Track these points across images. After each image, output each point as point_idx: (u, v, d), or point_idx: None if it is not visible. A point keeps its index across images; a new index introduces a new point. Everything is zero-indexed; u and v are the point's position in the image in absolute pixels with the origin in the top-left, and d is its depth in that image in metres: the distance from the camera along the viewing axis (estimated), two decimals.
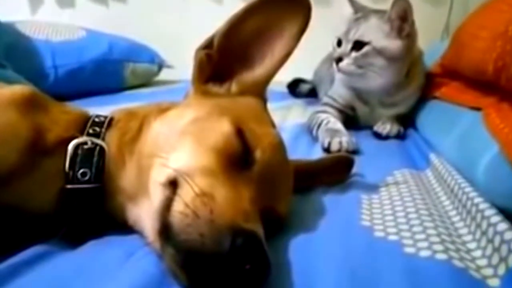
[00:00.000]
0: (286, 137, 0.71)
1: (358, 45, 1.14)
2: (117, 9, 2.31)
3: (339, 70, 1.19)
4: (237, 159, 0.48)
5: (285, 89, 1.72)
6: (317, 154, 0.98)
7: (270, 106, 0.63)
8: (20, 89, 0.54)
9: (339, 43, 1.20)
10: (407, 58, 1.17)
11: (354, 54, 1.15)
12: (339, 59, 1.18)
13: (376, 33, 1.14)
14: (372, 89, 1.20)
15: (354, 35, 1.15)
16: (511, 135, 0.66)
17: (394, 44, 1.13)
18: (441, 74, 1.22)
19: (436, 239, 0.51)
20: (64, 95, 1.07)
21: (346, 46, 1.16)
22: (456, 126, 0.89)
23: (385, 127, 1.17)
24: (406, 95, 1.22)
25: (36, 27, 1.69)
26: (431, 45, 1.48)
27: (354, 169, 0.77)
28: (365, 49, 1.13)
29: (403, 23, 1.12)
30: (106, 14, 2.30)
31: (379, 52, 1.13)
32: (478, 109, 0.84)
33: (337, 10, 1.96)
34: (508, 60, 0.74)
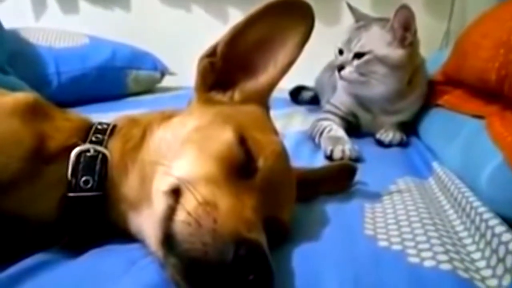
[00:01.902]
0: (288, 144, 0.71)
1: (359, 54, 1.15)
2: (120, 16, 2.32)
3: (341, 77, 1.19)
4: (240, 167, 0.48)
5: (287, 96, 1.72)
6: (319, 161, 0.98)
7: (272, 113, 0.63)
8: (23, 96, 0.54)
9: (341, 52, 1.20)
10: (409, 66, 1.17)
11: (356, 62, 1.15)
12: (341, 67, 1.18)
13: (378, 42, 1.14)
14: (374, 97, 1.20)
15: (356, 46, 1.15)
16: None
17: (396, 53, 1.13)
18: (444, 82, 1.22)
19: (440, 249, 0.51)
20: (66, 101, 1.08)
21: (348, 55, 1.17)
22: (459, 134, 0.89)
23: (387, 135, 1.17)
24: (408, 102, 1.22)
25: (40, 34, 1.70)
26: (432, 53, 1.48)
27: (357, 177, 0.77)
28: (367, 57, 1.14)
29: (405, 32, 1.12)
30: (110, 20, 2.31)
31: (380, 60, 1.13)
32: (481, 117, 0.83)
33: (339, 18, 1.97)
34: (511, 69, 0.74)
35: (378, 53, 1.13)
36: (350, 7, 1.27)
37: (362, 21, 1.22)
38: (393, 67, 1.14)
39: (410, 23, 1.11)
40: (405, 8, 1.10)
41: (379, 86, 1.16)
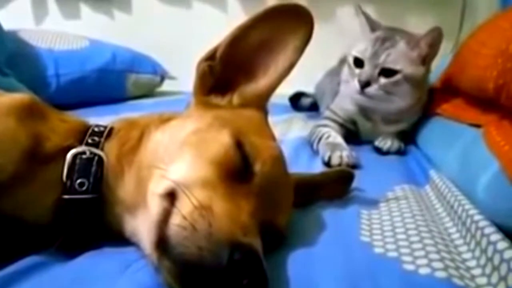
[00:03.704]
0: (287, 150, 0.71)
1: (387, 71, 1.12)
2: (121, 20, 2.33)
3: (365, 94, 1.14)
4: (237, 171, 0.48)
5: (286, 102, 1.72)
6: (317, 168, 0.98)
7: (271, 119, 0.63)
8: (20, 96, 0.54)
9: (357, 62, 1.16)
10: (426, 81, 1.18)
11: (383, 80, 1.12)
12: (366, 83, 1.13)
13: (406, 60, 1.13)
14: (391, 111, 1.19)
15: (384, 62, 1.12)
16: (511, 153, 0.66)
17: (418, 70, 1.14)
18: (443, 90, 1.23)
19: (436, 256, 0.51)
20: (65, 104, 1.08)
21: (373, 71, 1.13)
22: (456, 143, 0.89)
23: (386, 143, 1.16)
24: (411, 114, 1.22)
25: (39, 36, 1.70)
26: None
27: (354, 184, 0.77)
28: (397, 77, 1.12)
29: (430, 50, 1.12)
30: (110, 25, 2.31)
31: (406, 78, 1.13)
32: (478, 126, 0.84)
33: (341, 26, 1.98)
34: (509, 78, 0.74)
35: (406, 72, 1.12)
36: (364, 14, 1.23)
37: (379, 30, 1.19)
38: (414, 83, 1.14)
39: (437, 44, 1.12)
40: (437, 30, 1.10)
41: (399, 102, 1.16)
